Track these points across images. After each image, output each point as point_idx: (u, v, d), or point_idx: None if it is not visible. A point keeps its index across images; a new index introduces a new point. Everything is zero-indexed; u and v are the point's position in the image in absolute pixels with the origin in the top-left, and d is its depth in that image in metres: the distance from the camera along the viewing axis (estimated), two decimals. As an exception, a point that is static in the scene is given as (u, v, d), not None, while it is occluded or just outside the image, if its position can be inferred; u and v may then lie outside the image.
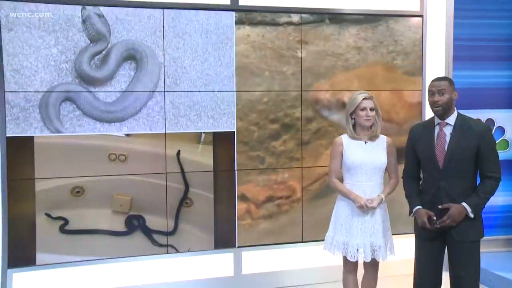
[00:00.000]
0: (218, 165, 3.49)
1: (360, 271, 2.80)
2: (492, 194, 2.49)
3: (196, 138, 3.45)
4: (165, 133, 3.37)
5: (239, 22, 3.45)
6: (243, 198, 3.53)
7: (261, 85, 3.52)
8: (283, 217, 3.61)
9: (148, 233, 3.40)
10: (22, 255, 3.19)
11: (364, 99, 2.68)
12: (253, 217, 3.56)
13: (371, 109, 2.68)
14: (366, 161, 2.67)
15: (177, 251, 3.44)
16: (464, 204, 2.43)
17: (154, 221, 3.41)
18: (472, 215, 2.43)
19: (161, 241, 3.43)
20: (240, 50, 3.47)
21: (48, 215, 3.23)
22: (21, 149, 3.15)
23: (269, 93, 3.53)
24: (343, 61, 3.65)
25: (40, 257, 3.22)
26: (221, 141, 3.47)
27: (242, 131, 3.49)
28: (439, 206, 2.46)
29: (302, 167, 3.62)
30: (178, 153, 3.44)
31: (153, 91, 3.33)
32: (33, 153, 3.17)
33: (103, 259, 3.33)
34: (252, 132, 3.52)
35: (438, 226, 2.45)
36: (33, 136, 3.16)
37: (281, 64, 3.54)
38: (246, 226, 3.54)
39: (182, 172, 3.45)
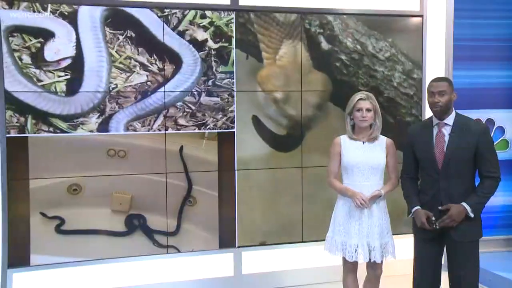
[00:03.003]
0: (223, 163, 3.46)
1: (363, 272, 2.81)
2: (492, 193, 2.49)
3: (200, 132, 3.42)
4: (165, 133, 3.36)
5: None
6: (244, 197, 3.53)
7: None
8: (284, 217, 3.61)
9: (149, 233, 3.36)
10: (16, 256, 3.13)
11: (359, 99, 2.68)
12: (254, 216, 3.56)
13: (368, 110, 2.67)
14: (362, 161, 2.67)
15: (179, 251, 3.43)
16: (464, 204, 2.43)
17: (155, 221, 3.36)
18: (472, 215, 2.43)
19: (163, 241, 3.39)
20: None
21: (44, 215, 3.17)
22: (15, 146, 3.09)
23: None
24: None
25: (34, 258, 3.16)
26: (223, 141, 3.46)
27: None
28: (439, 208, 2.46)
29: (302, 167, 3.62)
30: (181, 149, 3.40)
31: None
32: (27, 149, 3.11)
33: (101, 259, 3.30)
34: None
35: (437, 227, 2.45)
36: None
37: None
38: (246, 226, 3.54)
39: (185, 169, 3.41)
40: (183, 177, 3.41)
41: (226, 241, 3.50)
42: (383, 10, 3.70)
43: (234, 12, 3.42)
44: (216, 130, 3.43)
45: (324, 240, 2.84)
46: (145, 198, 3.34)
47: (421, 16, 3.77)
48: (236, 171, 3.50)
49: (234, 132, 3.47)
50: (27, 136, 3.11)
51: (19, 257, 3.14)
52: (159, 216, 3.37)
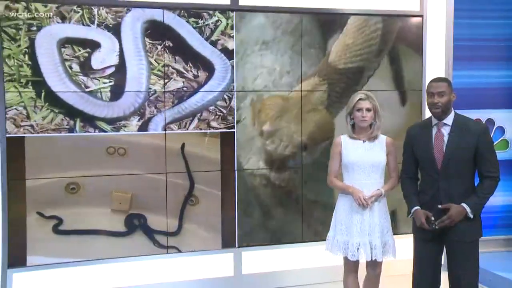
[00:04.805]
0: (225, 162, 3.48)
1: (362, 271, 2.81)
2: (491, 194, 2.50)
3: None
4: (165, 132, 3.36)
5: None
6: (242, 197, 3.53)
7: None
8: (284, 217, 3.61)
9: (150, 233, 3.35)
10: (12, 256, 3.12)
11: (359, 99, 2.69)
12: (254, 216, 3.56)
13: (368, 110, 2.68)
14: (363, 159, 2.68)
15: (180, 252, 3.43)
16: (463, 204, 2.44)
17: (156, 221, 3.34)
18: (471, 216, 2.44)
19: (164, 242, 3.38)
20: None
21: (40, 214, 3.16)
22: (13, 145, 3.11)
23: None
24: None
25: (31, 259, 3.14)
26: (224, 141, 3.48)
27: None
28: (439, 206, 2.47)
29: (302, 167, 3.62)
30: (183, 146, 3.41)
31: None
32: (24, 148, 3.11)
33: (101, 259, 3.29)
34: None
35: (436, 227, 2.45)
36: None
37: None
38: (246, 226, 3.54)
39: (187, 167, 3.42)
40: (185, 176, 3.41)
41: (228, 241, 3.51)
42: (384, 10, 3.71)
43: (234, 12, 3.44)
44: (217, 131, 3.45)
45: (324, 240, 2.84)
46: (145, 197, 3.33)
47: (421, 16, 3.78)
48: (236, 171, 3.50)
49: (234, 132, 3.48)
50: (24, 136, 3.13)
51: (15, 258, 3.13)
52: (160, 216, 3.36)
